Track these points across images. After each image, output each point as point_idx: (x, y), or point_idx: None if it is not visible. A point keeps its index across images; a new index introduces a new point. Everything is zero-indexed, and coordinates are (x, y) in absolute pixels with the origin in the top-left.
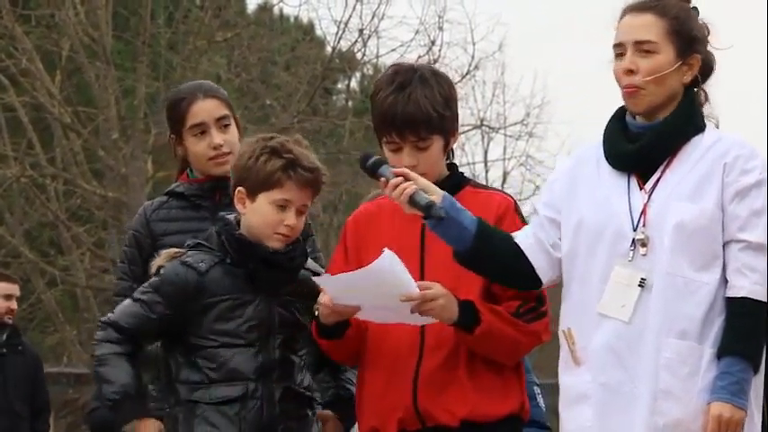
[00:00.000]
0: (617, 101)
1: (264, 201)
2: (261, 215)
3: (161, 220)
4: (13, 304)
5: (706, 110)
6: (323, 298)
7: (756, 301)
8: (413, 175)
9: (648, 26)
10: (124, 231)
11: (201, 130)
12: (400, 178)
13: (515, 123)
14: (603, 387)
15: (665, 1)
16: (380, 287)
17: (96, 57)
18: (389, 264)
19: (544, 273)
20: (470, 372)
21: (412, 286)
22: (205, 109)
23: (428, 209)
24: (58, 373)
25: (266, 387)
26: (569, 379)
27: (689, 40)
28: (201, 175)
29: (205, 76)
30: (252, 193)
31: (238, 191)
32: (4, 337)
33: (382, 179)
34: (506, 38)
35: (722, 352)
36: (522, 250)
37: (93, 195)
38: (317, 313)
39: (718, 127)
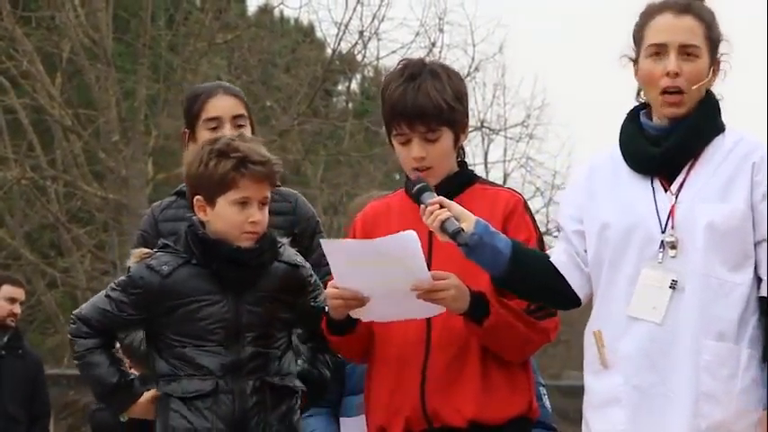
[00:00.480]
0: (616, 103)
1: (224, 203)
2: (224, 218)
3: (168, 219)
4: (17, 308)
5: None
6: (329, 291)
7: None
8: (447, 202)
9: (693, 30)
10: (125, 233)
11: (216, 125)
12: (435, 205)
13: (516, 125)
14: (636, 389)
15: (696, 3)
16: (390, 265)
17: (97, 59)
18: (408, 242)
19: (580, 288)
20: (478, 371)
21: (424, 271)
22: (222, 105)
23: (454, 236)
24: (58, 374)
25: (236, 382)
26: (597, 382)
27: (718, 44)
28: None
29: (205, 78)
30: (210, 200)
31: (196, 200)
32: (5, 339)
33: (422, 206)
34: (507, 40)
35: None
36: (557, 269)
37: (93, 197)
38: (326, 309)
39: None
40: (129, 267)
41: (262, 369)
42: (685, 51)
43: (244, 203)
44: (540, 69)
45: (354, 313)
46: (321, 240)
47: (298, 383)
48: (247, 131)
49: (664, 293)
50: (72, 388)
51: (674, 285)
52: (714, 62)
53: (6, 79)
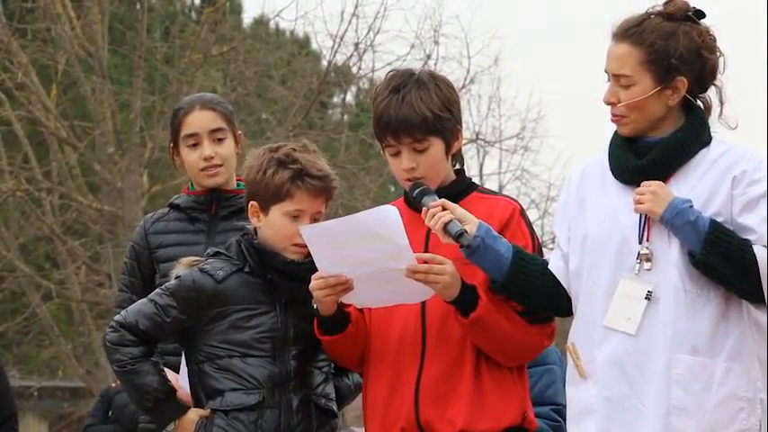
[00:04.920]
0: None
1: (277, 213)
2: (275, 228)
3: (158, 232)
4: None
5: (725, 110)
6: (313, 283)
7: None
8: (450, 204)
9: (624, 58)
10: (120, 245)
11: (194, 141)
12: (438, 207)
13: (511, 137)
14: (608, 401)
15: (644, 24)
16: (372, 242)
17: (92, 71)
18: (389, 216)
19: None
20: (471, 382)
21: (406, 246)
22: (199, 120)
23: (458, 237)
24: (53, 387)
25: (283, 396)
26: (575, 392)
27: (668, 68)
28: (199, 187)
29: (201, 90)
30: (264, 207)
31: (251, 205)
32: None
33: (424, 208)
34: (502, 52)
35: None
36: (555, 276)
37: (88, 209)
38: (315, 306)
39: (735, 127)
40: (178, 275)
41: (306, 386)
42: (618, 80)
43: (296, 216)
44: (536, 82)
45: (345, 299)
46: (301, 227)
47: (336, 407)
48: (228, 143)
49: (639, 304)
50: (67, 400)
51: (649, 296)
52: (667, 82)
53: (2, 91)
